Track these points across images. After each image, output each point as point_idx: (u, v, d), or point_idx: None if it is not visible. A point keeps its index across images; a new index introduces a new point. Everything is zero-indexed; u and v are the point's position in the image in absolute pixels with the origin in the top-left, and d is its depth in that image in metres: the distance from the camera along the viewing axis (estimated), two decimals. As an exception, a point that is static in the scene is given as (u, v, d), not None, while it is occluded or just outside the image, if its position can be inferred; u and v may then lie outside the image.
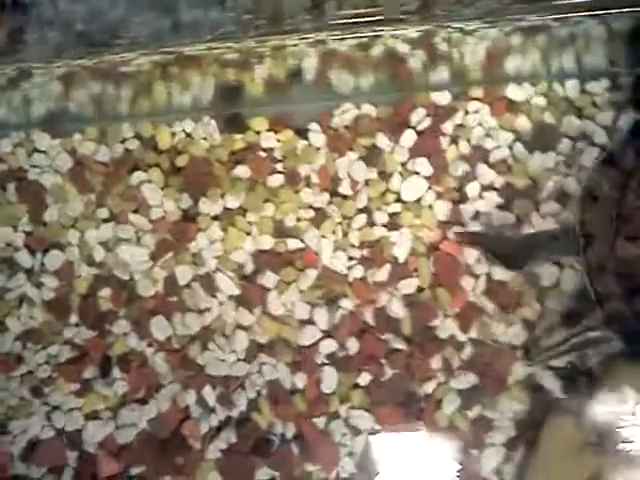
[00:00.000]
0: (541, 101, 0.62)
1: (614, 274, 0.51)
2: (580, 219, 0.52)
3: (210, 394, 0.58)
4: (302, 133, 0.62)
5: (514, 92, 0.62)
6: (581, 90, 0.62)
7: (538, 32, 0.59)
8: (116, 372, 0.58)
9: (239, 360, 0.58)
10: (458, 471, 0.56)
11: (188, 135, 0.63)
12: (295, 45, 0.62)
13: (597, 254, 0.51)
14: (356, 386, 0.58)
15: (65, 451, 0.57)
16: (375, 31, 0.61)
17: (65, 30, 0.61)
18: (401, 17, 0.60)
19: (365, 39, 0.61)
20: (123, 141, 0.63)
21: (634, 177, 0.51)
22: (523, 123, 0.61)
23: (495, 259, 0.58)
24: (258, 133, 0.62)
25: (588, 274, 0.51)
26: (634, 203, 0.51)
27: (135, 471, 0.57)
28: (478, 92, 0.62)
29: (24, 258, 0.60)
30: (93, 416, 0.58)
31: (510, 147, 0.61)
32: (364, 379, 0.58)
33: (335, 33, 0.61)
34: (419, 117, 0.61)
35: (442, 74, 0.62)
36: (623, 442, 0.53)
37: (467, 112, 0.62)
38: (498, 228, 0.59)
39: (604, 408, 0.54)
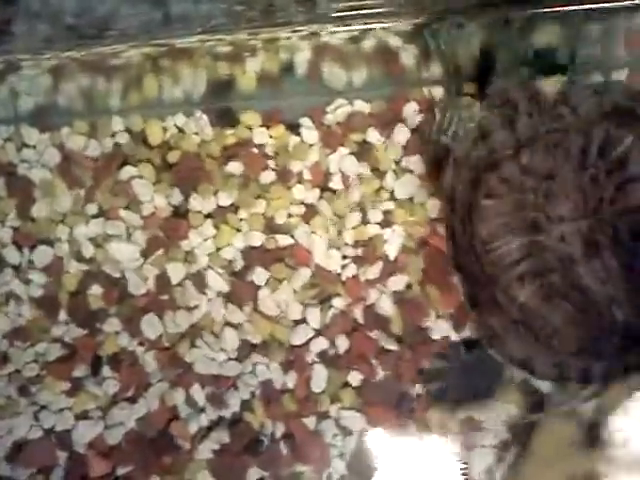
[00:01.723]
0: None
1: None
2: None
3: (199, 393, 0.57)
4: (294, 129, 0.61)
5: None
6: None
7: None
8: (107, 371, 0.58)
9: (230, 359, 0.58)
10: (449, 472, 0.56)
11: (180, 130, 0.62)
12: (288, 38, 0.61)
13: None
14: (347, 385, 0.57)
15: (54, 451, 0.57)
16: (367, 24, 0.60)
17: (54, 22, 0.60)
18: (394, 10, 0.60)
19: (357, 32, 0.60)
20: (113, 135, 0.61)
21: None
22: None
23: None
24: (250, 128, 0.61)
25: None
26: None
27: (123, 471, 0.56)
28: (471, 88, 0.61)
29: (12, 254, 0.60)
30: (83, 416, 0.57)
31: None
32: (355, 379, 0.57)
33: (327, 26, 0.61)
34: (412, 113, 0.61)
35: (435, 69, 0.61)
36: (615, 444, 0.53)
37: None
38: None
39: (597, 410, 0.54)
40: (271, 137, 0.61)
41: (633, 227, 0.50)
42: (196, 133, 0.61)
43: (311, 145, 0.61)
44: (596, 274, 0.49)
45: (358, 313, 0.58)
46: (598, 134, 0.51)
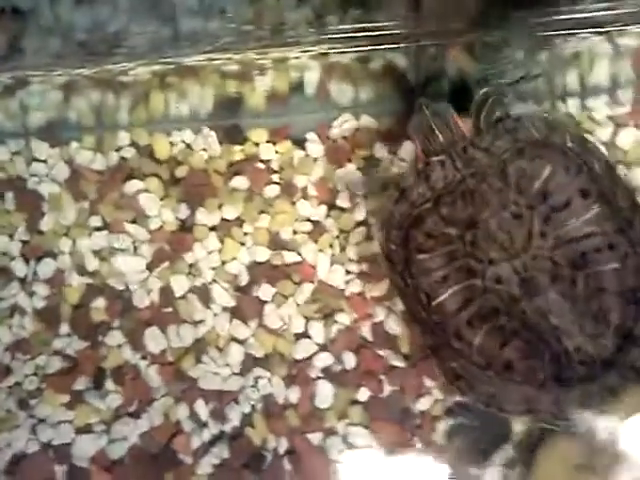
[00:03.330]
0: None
1: None
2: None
3: (203, 408, 0.56)
4: (300, 144, 0.61)
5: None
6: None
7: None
8: (109, 384, 0.57)
9: (234, 374, 0.57)
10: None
11: (187, 145, 0.62)
12: (297, 57, 0.62)
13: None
14: (355, 402, 0.56)
15: (52, 465, 0.56)
16: (374, 45, 0.61)
17: (64, 39, 0.61)
18: (399, 32, 0.61)
19: (365, 52, 0.61)
20: (119, 149, 0.62)
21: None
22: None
23: None
24: (257, 145, 0.61)
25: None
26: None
27: (125, 486, 0.56)
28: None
29: (19, 267, 0.60)
30: (85, 430, 0.57)
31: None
32: (363, 395, 0.56)
33: (337, 46, 0.61)
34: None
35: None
36: (620, 463, 0.52)
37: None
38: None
39: (601, 429, 0.53)
40: (277, 152, 0.61)
41: (569, 256, 0.49)
42: (204, 149, 0.62)
43: (316, 159, 0.61)
44: (539, 310, 0.49)
45: (366, 330, 0.58)
46: (513, 171, 0.51)
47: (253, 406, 0.57)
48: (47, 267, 0.59)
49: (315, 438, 0.56)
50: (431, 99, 0.55)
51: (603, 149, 0.58)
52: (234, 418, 0.57)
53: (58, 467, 0.56)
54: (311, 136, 0.61)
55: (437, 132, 0.53)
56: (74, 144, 0.62)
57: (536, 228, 0.50)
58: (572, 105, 0.62)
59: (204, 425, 0.56)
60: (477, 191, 0.51)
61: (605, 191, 0.50)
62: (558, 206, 0.50)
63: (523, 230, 0.50)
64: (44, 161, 0.62)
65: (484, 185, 0.51)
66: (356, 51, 0.61)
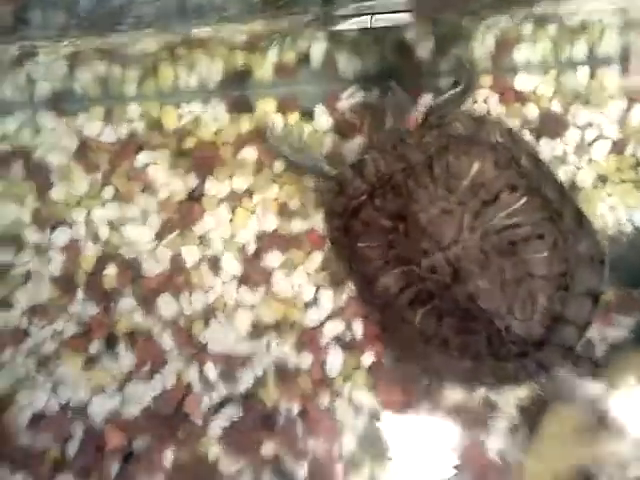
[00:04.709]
0: (549, 89, 0.63)
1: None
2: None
3: (212, 371, 0.58)
4: (309, 116, 0.62)
5: (523, 80, 0.63)
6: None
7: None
8: (122, 348, 0.59)
9: (243, 339, 0.59)
10: (462, 451, 0.57)
11: (196, 117, 0.63)
12: (304, 29, 0.62)
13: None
14: (360, 366, 0.58)
15: (69, 424, 0.58)
16: (383, 18, 0.62)
17: (69, 10, 0.62)
18: (408, 6, 0.61)
19: (373, 25, 0.62)
20: (129, 121, 0.63)
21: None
22: (530, 111, 0.62)
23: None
24: (265, 115, 0.62)
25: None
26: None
27: (139, 444, 0.57)
28: (487, 80, 0.63)
29: (31, 235, 0.61)
30: (99, 390, 0.58)
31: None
32: (368, 360, 0.58)
33: (344, 19, 0.62)
34: (426, 103, 0.61)
35: (445, 63, 0.63)
36: (623, 428, 0.55)
37: (475, 101, 0.62)
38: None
39: (606, 395, 0.55)
40: (286, 124, 0.62)
41: (498, 246, 0.52)
42: (212, 120, 0.63)
43: (325, 132, 0.62)
44: (470, 296, 0.52)
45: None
46: (439, 168, 0.54)
47: (265, 369, 0.59)
48: (62, 235, 0.61)
49: (323, 400, 0.58)
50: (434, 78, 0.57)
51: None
52: (246, 381, 0.58)
53: (75, 425, 0.58)
54: (319, 108, 0.62)
55: (388, 119, 0.57)
56: (82, 115, 0.63)
57: (466, 222, 0.52)
58: (582, 74, 0.63)
59: (214, 387, 0.58)
60: (405, 186, 0.54)
61: (533, 184, 0.53)
62: (488, 200, 0.53)
63: (453, 225, 0.52)
64: (50, 131, 0.63)
65: (411, 181, 0.53)
66: (363, 23, 0.62)
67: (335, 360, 0.58)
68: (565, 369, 0.54)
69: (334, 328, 0.59)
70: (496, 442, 0.57)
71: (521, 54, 0.63)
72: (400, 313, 0.53)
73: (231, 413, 0.58)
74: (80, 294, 0.60)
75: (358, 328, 0.59)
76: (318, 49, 0.63)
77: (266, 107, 0.63)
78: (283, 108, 0.63)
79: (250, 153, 0.62)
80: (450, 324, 0.52)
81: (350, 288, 0.58)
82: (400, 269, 0.53)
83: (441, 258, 0.52)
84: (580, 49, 0.63)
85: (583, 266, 0.53)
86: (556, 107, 0.62)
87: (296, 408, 0.58)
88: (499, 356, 0.52)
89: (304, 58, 0.63)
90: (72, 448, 0.57)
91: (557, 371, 0.54)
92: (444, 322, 0.53)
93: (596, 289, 0.53)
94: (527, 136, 0.61)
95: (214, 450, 0.57)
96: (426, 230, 0.52)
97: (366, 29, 0.61)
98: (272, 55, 0.63)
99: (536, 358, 0.52)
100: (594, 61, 0.63)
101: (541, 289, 0.52)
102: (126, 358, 0.59)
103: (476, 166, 0.53)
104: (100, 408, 0.58)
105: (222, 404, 0.58)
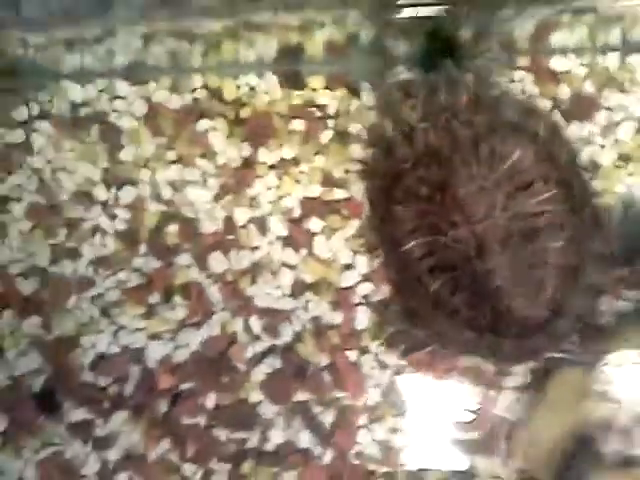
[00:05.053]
0: (583, 72, 0.65)
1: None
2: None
3: (256, 323, 0.64)
4: (356, 92, 0.66)
5: (558, 62, 0.65)
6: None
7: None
8: (178, 299, 0.64)
9: (285, 295, 0.64)
10: (476, 409, 0.61)
11: (252, 89, 0.67)
12: (354, 15, 0.65)
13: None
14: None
15: (129, 366, 0.64)
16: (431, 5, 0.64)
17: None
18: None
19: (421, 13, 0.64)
20: (193, 91, 0.68)
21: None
22: (563, 92, 0.65)
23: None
24: (315, 90, 0.67)
25: None
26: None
27: (186, 386, 0.63)
28: (524, 61, 0.66)
29: (100, 192, 0.66)
30: (156, 336, 0.64)
31: (548, 115, 0.64)
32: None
33: (394, 8, 0.65)
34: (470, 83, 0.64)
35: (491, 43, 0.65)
36: (627, 395, 0.58)
37: (512, 80, 0.65)
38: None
39: (612, 361, 0.58)
40: (334, 99, 0.66)
41: (523, 229, 0.55)
42: (266, 92, 0.67)
43: (370, 107, 0.66)
44: (488, 271, 0.55)
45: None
46: (484, 149, 0.56)
47: (304, 326, 0.64)
48: (128, 194, 0.66)
49: (352, 355, 0.63)
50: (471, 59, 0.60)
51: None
52: (286, 334, 0.64)
53: (133, 367, 0.64)
54: (366, 85, 0.66)
55: (441, 95, 0.60)
56: (152, 84, 0.68)
57: (499, 203, 0.55)
58: (615, 59, 0.65)
59: (258, 338, 0.64)
60: (450, 160, 0.57)
61: (565, 179, 0.56)
62: (521, 186, 0.56)
63: (487, 202, 0.56)
64: (124, 98, 0.69)
65: (457, 156, 0.57)
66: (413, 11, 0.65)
67: (363, 317, 0.63)
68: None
69: (365, 289, 0.64)
70: (506, 400, 0.61)
71: (558, 38, 0.65)
72: (419, 278, 0.57)
73: (272, 363, 0.63)
74: (143, 248, 0.65)
75: (387, 289, 0.63)
76: (367, 32, 0.66)
77: (316, 83, 0.67)
78: (332, 84, 0.67)
79: (299, 125, 0.66)
80: (463, 297, 0.56)
81: (380, 254, 0.62)
82: (428, 237, 0.57)
83: (469, 231, 0.56)
84: (614, 36, 0.65)
85: (593, 263, 0.56)
86: (588, 89, 0.65)
87: (326, 360, 0.63)
88: (498, 332, 0.56)
89: (354, 38, 0.66)
90: (129, 388, 0.63)
91: (547, 357, 0.58)
92: (458, 295, 0.56)
93: (601, 288, 0.56)
94: (557, 116, 0.63)
95: (254, 396, 0.63)
96: (461, 204, 0.56)
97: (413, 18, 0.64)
98: (323, 35, 0.66)
99: (532, 343, 0.56)
100: (627, 47, 0.65)
101: (551, 278, 0.55)
102: (180, 308, 0.64)
103: (517, 153, 0.56)
104: (155, 353, 0.63)
105: (264, 354, 0.63)
